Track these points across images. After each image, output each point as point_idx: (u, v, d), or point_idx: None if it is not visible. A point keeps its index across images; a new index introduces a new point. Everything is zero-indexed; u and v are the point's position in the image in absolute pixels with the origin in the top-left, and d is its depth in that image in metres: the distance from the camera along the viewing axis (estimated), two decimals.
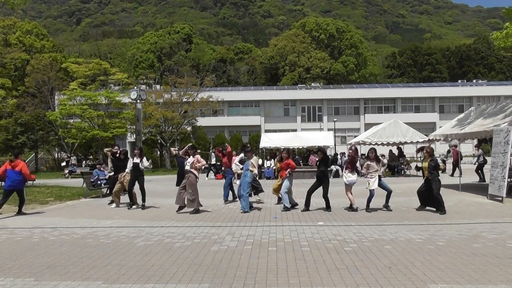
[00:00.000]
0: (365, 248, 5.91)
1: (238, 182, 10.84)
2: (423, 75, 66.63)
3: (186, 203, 9.60)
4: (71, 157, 31.25)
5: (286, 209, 9.71)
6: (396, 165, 21.70)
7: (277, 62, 63.62)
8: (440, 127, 31.55)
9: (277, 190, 10.63)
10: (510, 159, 10.44)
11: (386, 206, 9.61)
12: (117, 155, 11.30)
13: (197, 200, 9.53)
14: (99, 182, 14.05)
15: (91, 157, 36.33)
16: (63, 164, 31.83)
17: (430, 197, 9.25)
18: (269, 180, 20.60)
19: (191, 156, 9.67)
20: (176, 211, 9.64)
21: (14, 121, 32.47)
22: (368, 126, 37.10)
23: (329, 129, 39.33)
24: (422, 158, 10.66)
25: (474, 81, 53.47)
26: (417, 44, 77.96)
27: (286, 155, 10.19)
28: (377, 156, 9.81)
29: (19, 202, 10.14)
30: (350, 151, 10.02)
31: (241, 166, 10.88)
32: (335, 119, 41.25)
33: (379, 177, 9.49)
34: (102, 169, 14.77)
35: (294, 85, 54.87)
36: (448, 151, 18.83)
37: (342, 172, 20.99)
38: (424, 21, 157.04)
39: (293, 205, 10.10)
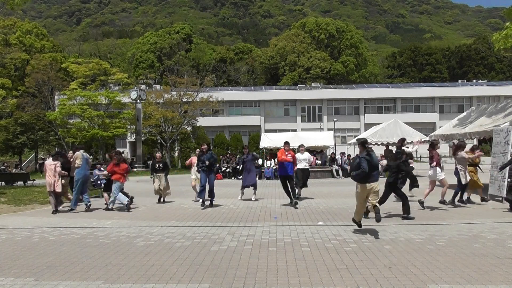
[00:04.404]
0: (365, 248, 5.91)
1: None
2: (423, 75, 66.58)
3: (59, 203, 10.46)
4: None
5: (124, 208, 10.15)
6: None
7: (277, 62, 63.55)
8: (440, 127, 31.54)
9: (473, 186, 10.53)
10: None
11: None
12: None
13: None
14: (99, 182, 14.02)
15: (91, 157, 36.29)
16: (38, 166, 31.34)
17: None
18: (269, 180, 20.64)
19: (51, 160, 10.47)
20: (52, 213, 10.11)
21: (14, 121, 32.45)
22: (368, 126, 37.07)
23: (329, 129, 39.29)
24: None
25: (474, 81, 53.39)
26: (417, 44, 77.90)
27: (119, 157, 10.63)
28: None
29: None
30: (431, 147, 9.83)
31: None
32: (335, 119, 41.22)
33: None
34: (102, 168, 14.73)
35: (294, 85, 54.79)
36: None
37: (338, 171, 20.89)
38: (424, 21, 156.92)
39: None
